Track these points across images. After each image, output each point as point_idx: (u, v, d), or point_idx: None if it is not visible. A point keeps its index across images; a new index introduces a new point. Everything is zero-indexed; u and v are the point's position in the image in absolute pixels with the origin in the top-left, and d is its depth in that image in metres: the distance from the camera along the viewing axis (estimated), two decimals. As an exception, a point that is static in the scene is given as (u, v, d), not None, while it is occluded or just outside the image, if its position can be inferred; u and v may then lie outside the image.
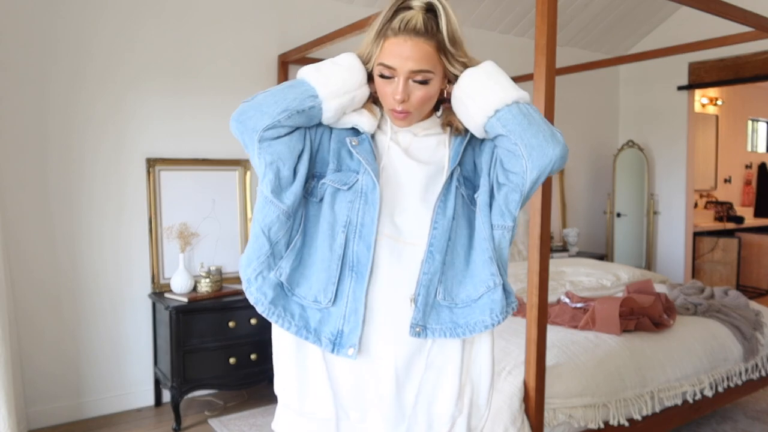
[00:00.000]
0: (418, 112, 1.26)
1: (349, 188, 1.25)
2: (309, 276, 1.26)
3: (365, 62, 1.26)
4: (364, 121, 1.28)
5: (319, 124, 1.28)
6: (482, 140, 1.32)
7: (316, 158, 1.29)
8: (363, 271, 1.23)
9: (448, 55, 1.22)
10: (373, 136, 1.31)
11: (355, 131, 1.30)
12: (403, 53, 1.18)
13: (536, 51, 1.97)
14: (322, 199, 1.27)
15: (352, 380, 1.28)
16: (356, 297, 1.23)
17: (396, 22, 1.18)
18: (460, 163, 1.29)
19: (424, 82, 1.21)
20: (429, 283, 1.24)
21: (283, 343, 1.32)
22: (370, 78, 1.27)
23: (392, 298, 1.24)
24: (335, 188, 1.26)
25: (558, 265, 3.90)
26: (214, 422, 3.11)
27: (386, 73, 1.21)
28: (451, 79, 1.27)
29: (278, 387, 1.35)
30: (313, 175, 1.28)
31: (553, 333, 2.50)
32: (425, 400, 1.29)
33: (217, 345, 3.12)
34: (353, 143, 1.27)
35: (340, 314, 1.24)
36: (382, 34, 1.21)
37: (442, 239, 1.24)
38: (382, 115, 1.32)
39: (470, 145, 1.32)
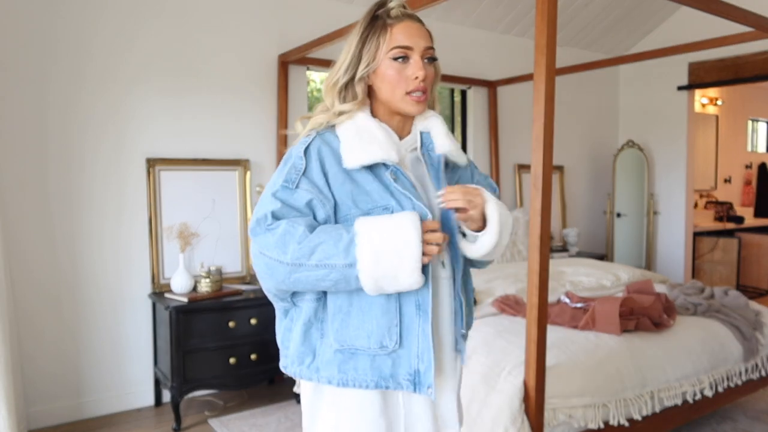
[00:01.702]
0: (430, 95, 1.31)
1: None
2: (364, 324, 1.21)
3: (359, 62, 1.26)
4: (392, 152, 1.25)
5: (325, 179, 1.23)
6: (462, 170, 1.42)
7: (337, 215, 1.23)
8: (427, 308, 1.22)
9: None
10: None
11: (380, 164, 1.25)
12: (416, 33, 1.26)
13: (536, 51, 1.97)
14: None
15: (403, 412, 1.29)
16: (425, 335, 1.21)
17: (393, 12, 1.26)
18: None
19: (433, 60, 1.29)
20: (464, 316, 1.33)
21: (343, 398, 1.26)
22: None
23: (438, 331, 1.28)
24: None
25: (558, 265, 3.90)
26: (214, 422, 3.11)
27: (401, 54, 1.25)
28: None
29: None
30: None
31: (553, 333, 2.49)
32: (452, 415, 1.35)
33: (217, 345, 3.12)
34: (393, 178, 1.23)
35: (412, 354, 1.22)
36: (380, 26, 1.25)
37: (459, 274, 1.31)
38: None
39: (453, 173, 1.39)
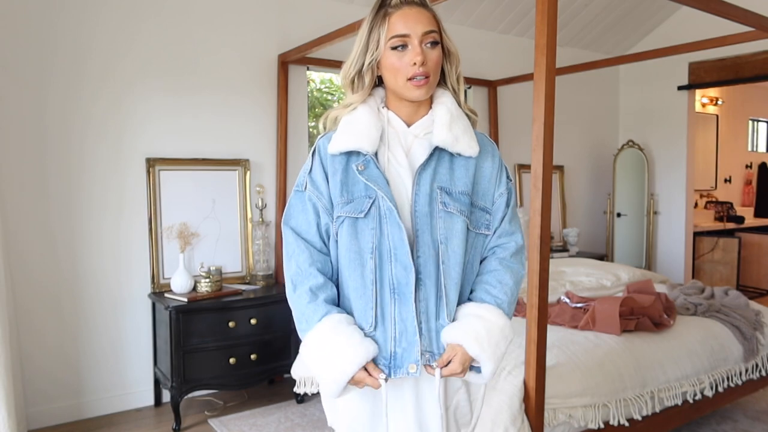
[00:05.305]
0: (434, 78, 1.30)
1: (366, 215, 1.26)
2: (346, 306, 1.30)
3: (365, 53, 1.30)
4: (364, 142, 1.28)
5: (312, 180, 1.33)
6: (476, 164, 1.35)
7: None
8: (406, 292, 1.24)
9: (442, 28, 1.31)
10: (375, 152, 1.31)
11: (356, 152, 1.30)
12: (412, 19, 1.26)
13: (536, 51, 1.97)
14: (339, 232, 1.30)
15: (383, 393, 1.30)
16: (403, 318, 1.25)
17: (393, 1, 1.28)
18: (452, 180, 1.31)
19: (435, 44, 1.28)
20: (425, 309, 1.28)
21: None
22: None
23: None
24: (353, 218, 1.27)
25: (558, 265, 3.90)
26: (214, 422, 3.11)
27: (399, 42, 1.26)
28: (446, 55, 1.33)
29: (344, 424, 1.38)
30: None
31: (553, 333, 2.49)
32: (433, 405, 1.32)
33: (217, 345, 3.12)
34: (360, 168, 1.28)
35: (388, 337, 1.25)
36: (381, 17, 1.27)
37: (430, 262, 1.26)
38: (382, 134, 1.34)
39: (464, 162, 1.33)
